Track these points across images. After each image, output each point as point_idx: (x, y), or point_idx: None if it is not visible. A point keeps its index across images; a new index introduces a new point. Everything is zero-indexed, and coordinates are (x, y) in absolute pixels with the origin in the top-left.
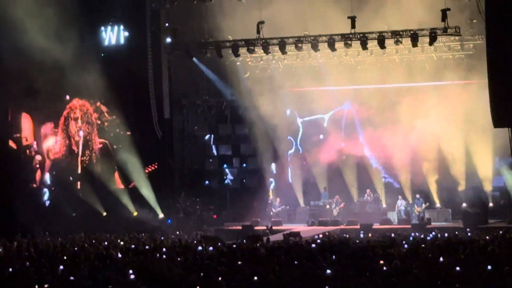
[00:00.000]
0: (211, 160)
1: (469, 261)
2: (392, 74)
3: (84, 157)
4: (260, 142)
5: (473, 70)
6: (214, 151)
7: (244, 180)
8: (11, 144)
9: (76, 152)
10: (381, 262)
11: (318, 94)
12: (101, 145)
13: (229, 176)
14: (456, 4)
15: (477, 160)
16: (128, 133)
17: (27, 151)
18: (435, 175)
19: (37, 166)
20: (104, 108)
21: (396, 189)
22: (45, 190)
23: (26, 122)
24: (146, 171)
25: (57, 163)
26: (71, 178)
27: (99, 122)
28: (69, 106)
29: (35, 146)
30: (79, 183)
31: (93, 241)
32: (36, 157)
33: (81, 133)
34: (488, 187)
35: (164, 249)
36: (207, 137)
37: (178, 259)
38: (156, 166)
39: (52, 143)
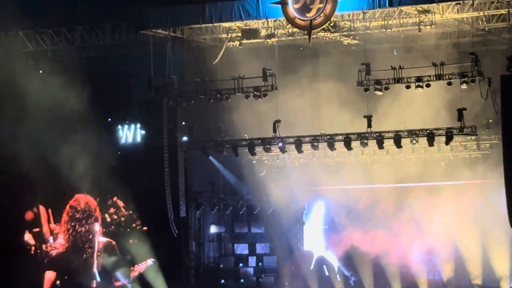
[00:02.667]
0: (227, 258)
1: None
2: (408, 173)
3: (87, 254)
4: (276, 241)
5: (489, 170)
6: (230, 250)
7: (260, 279)
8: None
9: (79, 247)
10: None
11: (335, 192)
12: (106, 242)
13: (245, 275)
14: (472, 104)
15: (494, 260)
16: (145, 228)
17: (44, 246)
18: (451, 274)
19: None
20: (120, 203)
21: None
22: None
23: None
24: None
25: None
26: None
27: (115, 217)
28: (74, 200)
29: (51, 241)
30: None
31: None
32: (51, 252)
33: (97, 227)
34: (505, 287)
35: None
36: (223, 235)
37: None
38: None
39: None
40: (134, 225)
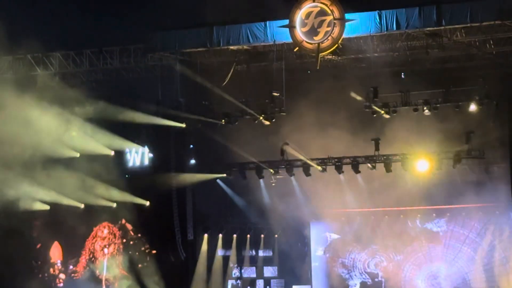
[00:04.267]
0: (234, 282)
1: None
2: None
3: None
4: (284, 265)
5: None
6: (238, 273)
7: None
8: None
9: (98, 271)
10: None
11: (343, 215)
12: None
13: None
14: (480, 127)
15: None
16: (154, 251)
17: (51, 269)
18: None
19: (61, 284)
20: (129, 226)
21: None
22: None
23: (56, 251)
24: None
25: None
26: None
27: (124, 240)
28: (98, 228)
29: (59, 264)
30: None
31: None
32: (60, 276)
33: (106, 251)
34: None
35: None
36: (230, 259)
37: None
38: None
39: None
40: (143, 248)
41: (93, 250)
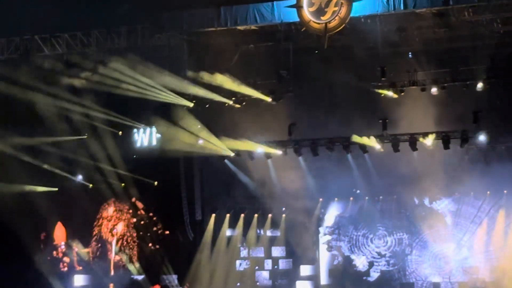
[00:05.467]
0: (242, 262)
1: None
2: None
3: (119, 258)
4: (291, 244)
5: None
6: (246, 253)
7: (276, 283)
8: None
9: (109, 253)
10: None
11: (351, 195)
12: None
13: (261, 278)
14: (489, 106)
15: None
16: (167, 232)
17: (54, 252)
18: None
19: (65, 268)
20: (140, 205)
21: None
22: None
23: (59, 233)
24: None
25: (88, 266)
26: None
27: (134, 220)
28: (103, 207)
29: (63, 246)
30: (111, 285)
31: None
32: (64, 259)
33: (115, 231)
34: None
35: None
36: (238, 239)
37: None
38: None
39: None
40: (155, 228)
41: (100, 232)
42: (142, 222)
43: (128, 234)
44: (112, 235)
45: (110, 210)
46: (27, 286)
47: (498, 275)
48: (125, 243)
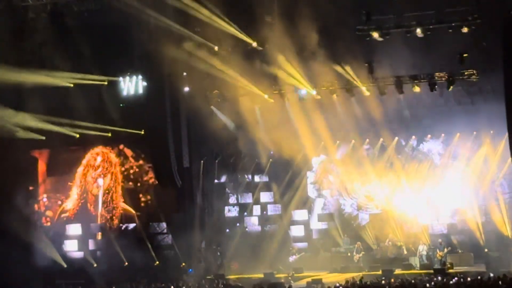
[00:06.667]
0: (231, 208)
1: None
2: None
3: (104, 210)
4: (280, 190)
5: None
6: (234, 199)
7: (265, 228)
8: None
9: (93, 205)
10: None
11: (338, 138)
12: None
13: (250, 224)
14: (474, 48)
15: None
16: (156, 180)
17: (36, 205)
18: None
19: (48, 223)
20: (128, 152)
21: (418, 234)
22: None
23: (41, 171)
24: None
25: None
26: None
27: (123, 168)
28: (87, 155)
29: (45, 199)
30: (99, 233)
31: None
32: (46, 213)
33: (101, 182)
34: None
35: None
36: (226, 185)
37: None
38: None
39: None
40: (146, 178)
41: (84, 183)
42: (131, 171)
43: (116, 184)
44: (98, 187)
45: (98, 160)
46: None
47: (486, 215)
48: (112, 194)
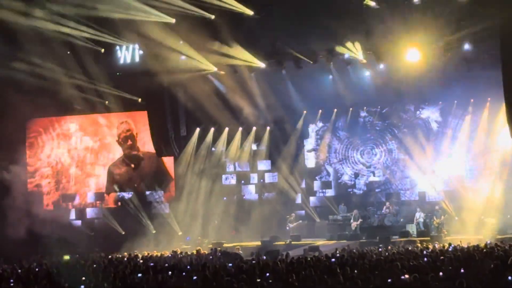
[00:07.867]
0: (228, 176)
1: (491, 273)
2: None
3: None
4: (277, 158)
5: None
6: (232, 167)
7: (263, 196)
8: None
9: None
10: (401, 275)
11: (336, 107)
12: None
13: (247, 192)
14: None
15: None
16: (152, 149)
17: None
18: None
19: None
20: (124, 120)
21: (415, 201)
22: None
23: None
24: None
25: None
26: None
27: (117, 138)
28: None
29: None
30: (98, 203)
31: (113, 260)
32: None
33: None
34: None
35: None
36: (224, 153)
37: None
38: None
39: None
40: (143, 147)
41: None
42: (129, 142)
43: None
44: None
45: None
46: None
47: (482, 183)
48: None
